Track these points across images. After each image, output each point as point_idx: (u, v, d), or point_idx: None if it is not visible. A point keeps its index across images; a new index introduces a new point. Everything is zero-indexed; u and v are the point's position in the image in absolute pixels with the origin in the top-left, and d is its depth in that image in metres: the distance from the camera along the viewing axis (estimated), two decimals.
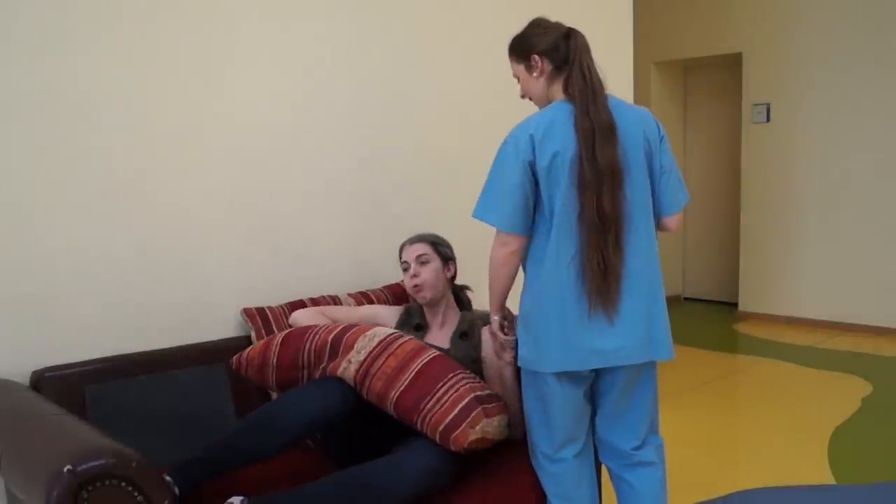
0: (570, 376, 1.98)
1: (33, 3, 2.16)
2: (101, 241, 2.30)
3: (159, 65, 2.40)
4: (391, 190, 3.05)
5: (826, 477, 3.19)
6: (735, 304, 6.72)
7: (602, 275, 1.88)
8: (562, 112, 1.92)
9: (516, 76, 2.09)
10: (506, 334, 2.13)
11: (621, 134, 1.91)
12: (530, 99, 2.09)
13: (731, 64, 6.64)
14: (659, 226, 2.07)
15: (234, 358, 2.24)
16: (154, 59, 2.39)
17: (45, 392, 2.08)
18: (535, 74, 2.02)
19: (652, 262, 1.99)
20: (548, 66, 2.00)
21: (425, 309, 2.48)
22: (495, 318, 2.12)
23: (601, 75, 1.99)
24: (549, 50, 1.99)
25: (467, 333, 2.39)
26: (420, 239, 2.47)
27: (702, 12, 6.58)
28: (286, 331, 2.24)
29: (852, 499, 2.97)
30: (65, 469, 1.36)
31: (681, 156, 7.31)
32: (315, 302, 2.65)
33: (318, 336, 2.16)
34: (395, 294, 2.81)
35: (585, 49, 1.99)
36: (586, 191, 1.86)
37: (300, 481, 1.93)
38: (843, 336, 5.74)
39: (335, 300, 2.70)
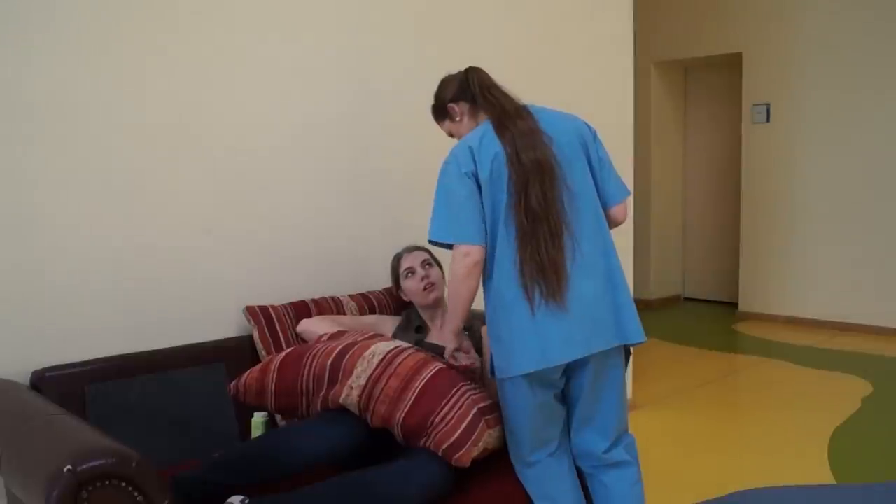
0: (541, 380, 1.98)
1: (33, 6, 2.16)
2: (102, 241, 2.30)
3: (160, 66, 2.40)
4: (392, 191, 3.05)
5: (826, 477, 3.19)
6: (735, 304, 6.72)
7: (539, 270, 1.91)
8: (489, 127, 2.02)
9: (449, 133, 2.23)
10: (457, 360, 2.14)
11: (555, 137, 1.99)
12: None
13: (731, 64, 6.64)
14: (608, 218, 2.09)
15: (232, 384, 2.23)
16: (155, 60, 2.39)
17: (45, 392, 2.08)
18: (458, 119, 2.17)
19: (604, 250, 2.02)
20: (464, 107, 2.14)
21: (425, 313, 2.56)
22: (450, 347, 2.11)
23: (511, 94, 2.09)
24: (458, 94, 2.14)
25: (467, 330, 2.43)
26: (418, 248, 2.61)
27: (702, 12, 6.58)
28: (283, 354, 2.23)
29: (852, 499, 2.97)
30: (65, 469, 1.35)
31: (681, 156, 7.31)
32: (316, 303, 2.65)
33: (316, 360, 2.15)
34: (394, 296, 2.81)
35: (484, 78, 2.12)
36: (514, 191, 1.93)
37: (299, 482, 1.93)
38: (843, 336, 5.74)
39: (336, 302, 2.71)
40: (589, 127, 2.11)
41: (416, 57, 3.13)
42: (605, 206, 2.09)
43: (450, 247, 1.99)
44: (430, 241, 2.02)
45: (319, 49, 2.82)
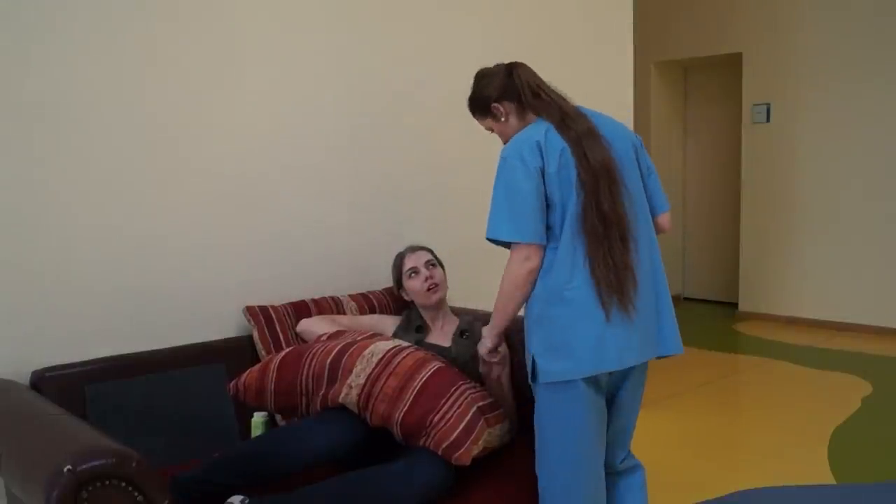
0: (597, 383, 1.93)
1: (31, 4, 2.16)
2: (102, 242, 2.30)
3: (160, 65, 2.40)
4: (393, 191, 3.05)
5: (826, 477, 3.19)
6: (735, 304, 6.72)
7: (614, 271, 1.87)
8: (550, 125, 1.93)
9: (489, 129, 2.12)
10: (493, 358, 2.12)
11: (612, 141, 1.94)
12: None
13: (731, 64, 6.64)
14: (655, 226, 2.07)
15: (232, 384, 2.23)
16: (155, 60, 2.39)
17: (45, 392, 2.08)
18: (503, 120, 2.05)
19: (655, 259, 2.00)
20: (510, 107, 2.03)
21: (426, 313, 2.56)
22: (487, 343, 2.07)
23: (559, 90, 2.03)
24: (502, 93, 2.02)
25: (468, 332, 2.46)
26: (422, 247, 2.61)
27: (702, 12, 6.58)
28: (282, 353, 2.23)
29: (852, 499, 2.97)
30: (65, 469, 1.35)
31: (681, 156, 7.31)
32: (316, 303, 2.65)
33: (315, 360, 2.15)
34: (394, 296, 2.81)
35: (531, 76, 2.03)
36: (585, 193, 1.87)
37: (299, 481, 1.93)
38: (843, 336, 5.74)
39: (336, 302, 2.71)
40: (636, 136, 2.07)
41: (417, 58, 3.13)
42: (654, 215, 2.06)
43: (507, 245, 1.92)
44: (488, 239, 1.93)
45: (323, 50, 2.82)
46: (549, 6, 3.70)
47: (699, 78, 7.17)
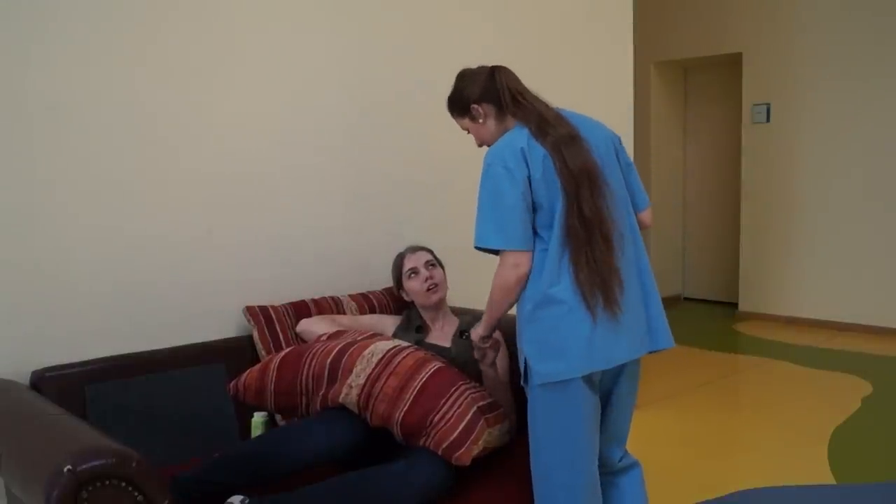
0: (590, 382, 1.93)
1: (31, 4, 2.16)
2: (101, 242, 2.30)
3: (158, 65, 2.40)
4: (393, 191, 3.05)
5: (826, 477, 3.19)
6: (735, 304, 6.72)
7: (598, 274, 1.88)
8: (528, 132, 1.93)
9: (465, 129, 2.12)
10: (484, 344, 2.12)
11: (590, 140, 1.94)
12: (488, 145, 2.06)
13: (731, 64, 6.64)
14: (638, 222, 2.08)
15: (232, 384, 2.23)
16: (152, 60, 2.39)
17: (45, 392, 2.08)
18: (481, 121, 2.04)
19: (640, 255, 2.01)
20: (490, 109, 2.02)
21: (426, 313, 2.56)
22: (479, 331, 2.07)
23: (539, 95, 2.02)
24: (483, 94, 2.01)
25: (468, 332, 2.44)
26: (422, 248, 2.62)
27: (702, 12, 6.58)
28: (282, 353, 2.23)
29: (852, 499, 2.97)
30: (65, 469, 1.36)
31: (681, 156, 7.31)
32: (316, 303, 2.65)
33: (315, 360, 2.16)
34: (394, 296, 2.81)
35: (513, 80, 2.02)
36: (567, 198, 1.87)
37: (299, 481, 1.94)
38: (843, 336, 5.74)
39: (336, 301, 2.71)
40: (615, 134, 2.08)
41: (417, 58, 3.13)
42: (636, 211, 2.07)
43: (496, 252, 1.92)
44: (476, 247, 1.94)
45: (322, 50, 2.82)
46: (549, 6, 3.70)
47: (699, 78, 7.16)
